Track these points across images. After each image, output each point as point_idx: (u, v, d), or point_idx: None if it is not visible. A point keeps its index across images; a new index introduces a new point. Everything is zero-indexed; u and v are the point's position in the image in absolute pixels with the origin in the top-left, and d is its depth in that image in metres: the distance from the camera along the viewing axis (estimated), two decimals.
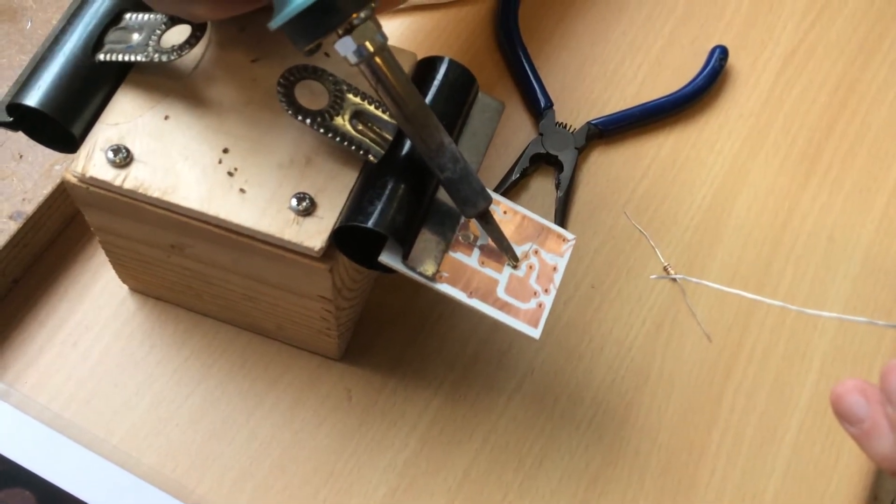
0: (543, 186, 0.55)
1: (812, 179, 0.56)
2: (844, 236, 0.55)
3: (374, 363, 0.49)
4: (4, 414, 0.45)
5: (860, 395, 0.32)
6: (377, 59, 0.35)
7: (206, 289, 0.46)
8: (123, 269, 0.48)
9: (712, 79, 0.58)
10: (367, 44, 0.35)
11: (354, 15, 0.34)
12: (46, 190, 0.49)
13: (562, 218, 0.53)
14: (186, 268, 0.44)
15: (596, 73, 0.59)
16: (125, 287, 0.50)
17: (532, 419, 0.48)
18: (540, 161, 0.55)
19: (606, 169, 0.56)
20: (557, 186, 0.54)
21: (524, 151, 0.55)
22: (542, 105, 0.56)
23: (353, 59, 0.35)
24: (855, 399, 0.32)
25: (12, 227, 0.48)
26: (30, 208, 0.48)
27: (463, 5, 0.61)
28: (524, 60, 0.58)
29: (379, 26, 0.35)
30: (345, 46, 0.35)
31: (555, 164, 0.55)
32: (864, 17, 0.62)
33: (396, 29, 0.59)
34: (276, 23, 0.34)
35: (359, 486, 0.46)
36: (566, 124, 0.56)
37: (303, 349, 0.49)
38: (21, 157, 0.50)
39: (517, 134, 0.57)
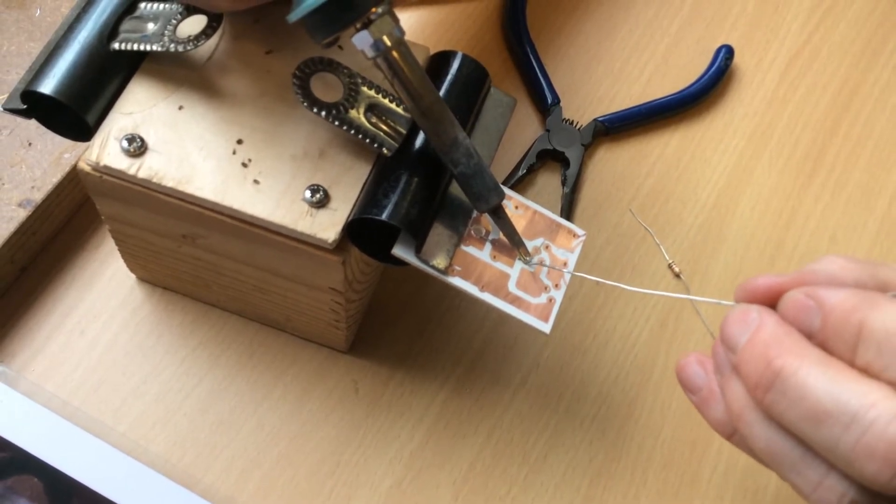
0: (549, 182, 0.55)
1: (815, 180, 0.57)
2: (847, 237, 0.55)
3: (380, 356, 0.49)
4: (12, 401, 0.45)
5: (699, 366, 0.34)
6: (394, 54, 0.36)
7: (216, 279, 0.46)
8: (132, 259, 0.48)
9: (718, 78, 0.59)
10: (385, 38, 0.35)
11: (373, 9, 0.34)
12: (56, 178, 0.49)
13: (568, 214, 0.54)
14: (197, 258, 0.44)
15: (603, 71, 0.59)
16: (133, 276, 0.50)
17: (537, 414, 0.49)
18: (546, 157, 0.56)
19: (612, 166, 0.56)
20: (563, 183, 0.55)
21: (531, 147, 0.55)
22: (549, 101, 0.57)
23: (370, 53, 0.35)
24: (694, 370, 0.34)
25: (21, 214, 0.48)
26: (39, 196, 0.48)
27: (471, 1, 0.61)
28: (531, 57, 0.58)
29: (396, 20, 0.36)
30: (362, 40, 0.35)
31: (561, 160, 0.55)
32: (869, 20, 0.63)
33: (403, 24, 0.59)
34: (294, 16, 0.35)
35: (365, 477, 0.46)
36: (573, 121, 0.56)
37: (310, 341, 0.49)
38: (30, 144, 0.50)
39: (524, 130, 0.57)
